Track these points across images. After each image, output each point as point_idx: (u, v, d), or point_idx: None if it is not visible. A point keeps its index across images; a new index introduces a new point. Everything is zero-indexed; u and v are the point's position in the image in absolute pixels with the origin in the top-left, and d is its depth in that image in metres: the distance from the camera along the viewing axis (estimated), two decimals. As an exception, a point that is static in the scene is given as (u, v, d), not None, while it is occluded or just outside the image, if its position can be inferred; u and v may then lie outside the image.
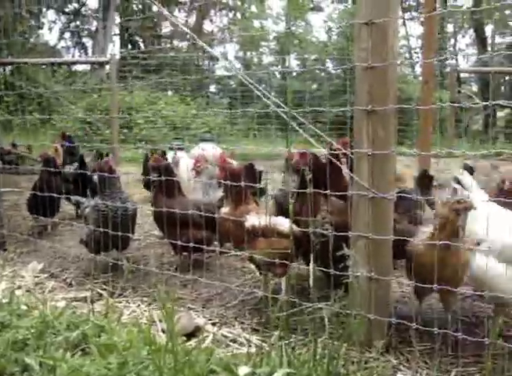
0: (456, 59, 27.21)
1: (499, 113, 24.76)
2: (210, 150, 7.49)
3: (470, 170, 4.75)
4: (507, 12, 28.20)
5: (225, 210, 3.49)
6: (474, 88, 28.03)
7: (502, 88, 27.00)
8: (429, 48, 8.38)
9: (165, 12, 3.42)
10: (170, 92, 18.86)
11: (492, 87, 21.59)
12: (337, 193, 2.66)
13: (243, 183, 3.21)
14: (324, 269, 2.67)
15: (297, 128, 2.76)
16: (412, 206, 3.26)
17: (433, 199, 3.70)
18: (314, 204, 2.69)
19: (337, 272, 2.50)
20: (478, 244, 2.60)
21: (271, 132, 13.85)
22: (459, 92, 18.94)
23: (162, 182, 3.91)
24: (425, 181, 3.91)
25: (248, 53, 25.83)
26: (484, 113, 24.06)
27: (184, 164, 6.32)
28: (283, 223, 3.11)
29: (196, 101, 17.73)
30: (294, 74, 21.78)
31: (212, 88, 23.26)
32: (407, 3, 26.24)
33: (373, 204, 2.53)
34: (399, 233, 2.67)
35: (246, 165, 4.23)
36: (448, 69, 18.23)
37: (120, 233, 3.65)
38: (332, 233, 2.50)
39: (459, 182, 2.74)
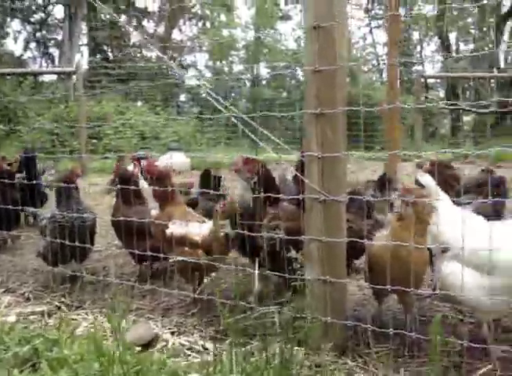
0: (423, 66, 27.78)
1: (466, 118, 25.29)
2: (177, 159, 7.48)
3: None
4: (469, 20, 28.99)
5: (153, 213, 3.49)
6: (441, 93, 28.61)
7: (468, 92, 27.60)
8: (392, 53, 8.56)
9: (128, 27, 3.35)
10: (140, 103, 18.76)
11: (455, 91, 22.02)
12: (287, 199, 2.65)
13: (191, 187, 3.19)
14: (274, 273, 2.66)
15: (249, 134, 2.76)
16: (370, 208, 3.27)
17: (392, 201, 3.72)
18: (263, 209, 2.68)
19: (288, 276, 2.49)
20: (444, 250, 2.58)
21: (242, 141, 13.89)
22: (426, 97, 19.30)
23: (121, 190, 3.86)
24: (385, 184, 3.93)
25: (218, 62, 25.88)
26: (451, 117, 24.60)
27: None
28: (199, 232, 3.13)
29: (165, 110, 17.66)
30: (264, 82, 21.94)
31: (182, 98, 23.22)
32: (373, 11, 26.72)
33: (325, 206, 2.54)
34: (354, 235, 2.69)
35: (203, 172, 4.21)
36: (414, 75, 18.63)
37: (78, 245, 3.58)
38: (279, 237, 2.49)
39: (420, 185, 2.74)
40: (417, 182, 2.66)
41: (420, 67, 26.51)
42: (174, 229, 3.21)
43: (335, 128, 2.50)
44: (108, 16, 21.82)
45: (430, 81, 26.70)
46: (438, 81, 27.40)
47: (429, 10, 29.38)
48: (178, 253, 3.17)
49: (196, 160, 10.49)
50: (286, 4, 31.97)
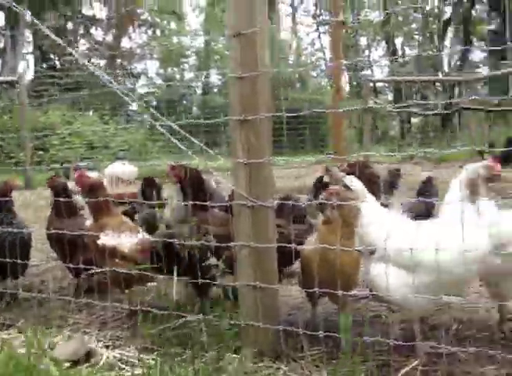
0: (371, 70, 28.49)
1: (414, 120, 26.11)
2: (123, 168, 7.36)
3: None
4: (414, 25, 30.00)
5: (87, 223, 3.43)
6: (390, 97, 29.42)
7: (415, 96, 28.43)
8: (336, 57, 8.74)
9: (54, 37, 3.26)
10: (88, 112, 18.37)
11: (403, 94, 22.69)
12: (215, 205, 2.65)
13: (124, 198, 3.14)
14: (191, 281, 2.65)
15: (176, 142, 2.75)
16: (303, 212, 3.31)
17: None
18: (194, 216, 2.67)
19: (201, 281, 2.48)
20: (372, 251, 2.62)
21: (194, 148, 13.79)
22: (375, 102, 19.77)
23: (55, 203, 3.77)
24: (320, 188, 3.98)
25: (169, 69, 25.72)
26: (400, 119, 25.31)
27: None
28: (129, 242, 3.12)
29: (115, 119, 17.37)
30: (216, 89, 21.96)
31: (133, 106, 22.91)
32: (321, 17, 27.23)
33: (253, 212, 2.55)
34: (286, 240, 2.70)
35: (143, 180, 4.16)
36: (363, 79, 19.09)
37: (10, 261, 3.46)
38: (202, 243, 2.48)
39: (348, 188, 2.78)
40: (344, 185, 2.70)
41: (368, 72, 27.22)
42: (106, 240, 3.15)
43: (259, 134, 2.52)
44: (52, 23, 21.34)
45: (379, 84, 27.42)
46: (387, 85, 28.15)
47: (375, 16, 30.23)
48: (110, 264, 3.12)
49: (146, 169, 10.37)
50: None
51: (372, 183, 3.10)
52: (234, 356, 2.63)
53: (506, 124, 18.60)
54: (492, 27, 29.94)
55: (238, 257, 2.63)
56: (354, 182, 2.66)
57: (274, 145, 2.77)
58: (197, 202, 2.67)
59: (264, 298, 2.61)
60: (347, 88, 27.73)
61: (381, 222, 2.55)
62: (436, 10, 29.94)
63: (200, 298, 2.65)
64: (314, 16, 27.22)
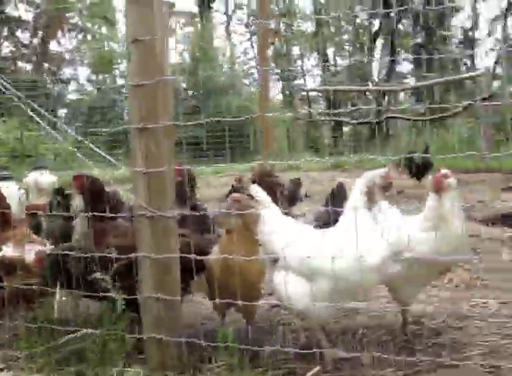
0: (304, 80, 29.11)
1: (345, 129, 26.82)
2: (40, 178, 7.04)
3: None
4: (345, 37, 30.96)
5: None
6: (323, 106, 30.09)
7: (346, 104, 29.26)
8: (263, 67, 8.82)
9: None
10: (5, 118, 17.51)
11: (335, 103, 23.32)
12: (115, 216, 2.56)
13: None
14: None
15: (79, 154, 2.64)
16: (210, 222, 3.27)
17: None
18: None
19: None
20: (276, 260, 2.62)
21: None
22: (309, 111, 20.15)
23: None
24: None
25: (100, 76, 25.10)
26: (332, 128, 25.94)
27: (12, 194, 5.79)
28: (30, 255, 3.01)
29: (40, 127, 16.67)
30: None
31: (62, 113, 22.17)
32: (253, 27, 27.54)
33: (153, 222, 2.48)
34: (189, 250, 2.65)
35: (54, 190, 3.99)
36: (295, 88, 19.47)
37: None
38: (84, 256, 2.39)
39: (252, 197, 2.77)
40: (248, 194, 2.70)
41: (301, 81, 27.80)
42: (6, 252, 2.99)
43: (159, 143, 2.46)
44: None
45: (311, 94, 28.00)
46: (320, 94, 28.81)
47: (307, 27, 30.94)
48: (11, 278, 2.96)
49: (69, 179, 9.94)
50: (169, 17, 31.89)
51: (274, 192, 3.12)
52: (131, 370, 2.54)
53: (431, 132, 19.47)
54: (418, 40, 31.44)
55: (139, 268, 2.56)
56: (258, 192, 2.65)
57: (200, 154, 2.72)
58: (96, 213, 2.57)
59: (167, 310, 2.55)
60: (279, 96, 28.25)
61: (283, 231, 2.55)
62: (366, 23, 31.08)
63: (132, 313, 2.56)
64: (247, 25, 27.53)
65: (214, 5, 31.85)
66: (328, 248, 2.35)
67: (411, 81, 29.40)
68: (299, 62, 30.13)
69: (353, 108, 17.51)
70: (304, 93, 23.14)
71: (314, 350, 2.45)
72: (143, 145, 2.46)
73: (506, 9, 30.31)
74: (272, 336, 2.79)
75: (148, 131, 2.44)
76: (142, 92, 2.45)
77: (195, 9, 29.56)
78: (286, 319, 3.25)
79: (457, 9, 29.49)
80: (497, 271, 4.19)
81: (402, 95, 27.68)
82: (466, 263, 4.16)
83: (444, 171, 2.53)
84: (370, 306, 3.29)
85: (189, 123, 2.51)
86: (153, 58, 2.46)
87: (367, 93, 27.58)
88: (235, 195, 2.65)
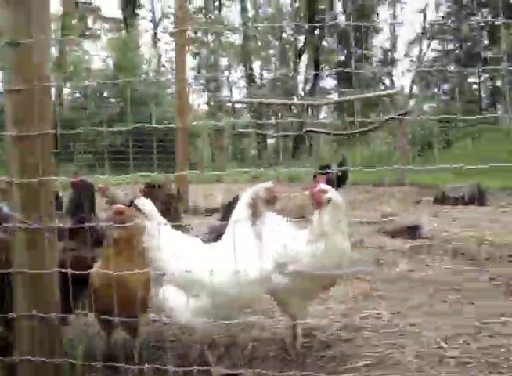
0: (230, 91, 29.28)
1: (270, 141, 27.21)
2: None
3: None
4: (271, 51, 31.59)
5: None
6: (247, 117, 30.41)
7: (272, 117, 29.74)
8: (180, 78, 8.73)
9: None
10: None
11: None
12: None
13: None
14: None
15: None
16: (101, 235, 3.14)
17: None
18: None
19: None
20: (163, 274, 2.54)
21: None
22: (233, 123, 20.22)
23: None
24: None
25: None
26: (257, 140, 26.25)
27: None
28: None
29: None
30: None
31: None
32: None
33: (28, 235, 2.34)
34: (77, 264, 2.53)
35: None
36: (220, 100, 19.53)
37: None
38: None
39: (138, 209, 2.69)
40: (135, 206, 2.62)
41: (227, 92, 27.91)
42: None
43: (35, 152, 2.33)
44: None
45: (237, 105, 28.22)
46: (245, 106, 29.07)
47: (235, 39, 31.22)
48: None
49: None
50: (94, 23, 31.19)
51: (165, 204, 3.07)
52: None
53: (351, 146, 20.12)
54: (342, 57, 32.64)
55: (14, 285, 2.40)
56: (145, 204, 2.58)
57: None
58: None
59: (43, 329, 2.40)
60: (204, 107, 28.21)
61: (169, 244, 2.50)
62: (292, 38, 31.85)
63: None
64: (171, 34, 27.33)
65: (141, 13, 31.45)
66: (210, 262, 2.32)
67: (334, 97, 30.42)
68: (226, 72, 30.33)
69: (276, 121, 17.82)
70: (230, 104, 23.27)
71: (195, 368, 2.39)
72: (18, 154, 2.32)
73: (422, 33, 32.28)
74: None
75: (23, 139, 2.31)
76: (17, 97, 2.32)
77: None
78: (178, 335, 3.17)
79: (377, 30, 31.00)
80: (393, 282, 4.35)
81: (324, 109, 28.55)
82: (367, 275, 4.29)
83: (322, 186, 2.56)
84: (263, 320, 3.28)
85: (62, 132, 2.40)
86: (30, 62, 2.33)
87: (292, 107, 28.17)
88: (117, 206, 2.56)
